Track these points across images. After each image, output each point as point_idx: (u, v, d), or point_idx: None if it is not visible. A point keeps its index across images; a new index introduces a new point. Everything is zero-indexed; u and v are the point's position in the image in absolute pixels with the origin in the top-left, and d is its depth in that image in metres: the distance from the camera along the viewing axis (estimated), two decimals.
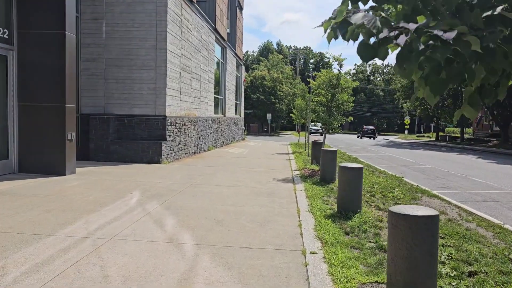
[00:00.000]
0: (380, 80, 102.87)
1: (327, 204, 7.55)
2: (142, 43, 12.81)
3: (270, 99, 51.39)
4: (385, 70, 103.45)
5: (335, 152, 10.18)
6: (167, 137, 13.07)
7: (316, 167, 11.94)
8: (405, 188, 9.84)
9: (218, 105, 22.90)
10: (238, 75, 30.61)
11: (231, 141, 25.97)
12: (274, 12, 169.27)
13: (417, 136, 60.99)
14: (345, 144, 33.19)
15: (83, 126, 12.71)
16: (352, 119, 11.77)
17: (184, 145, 15.08)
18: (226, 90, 24.08)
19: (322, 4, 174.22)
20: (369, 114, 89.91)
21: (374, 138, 51.66)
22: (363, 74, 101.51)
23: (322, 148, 10.31)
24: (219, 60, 22.92)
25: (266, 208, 7.07)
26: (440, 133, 51.50)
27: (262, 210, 6.90)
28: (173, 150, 13.61)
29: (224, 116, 23.82)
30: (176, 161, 13.76)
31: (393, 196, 8.69)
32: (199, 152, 17.42)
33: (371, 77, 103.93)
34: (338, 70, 10.79)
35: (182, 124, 14.76)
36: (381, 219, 6.54)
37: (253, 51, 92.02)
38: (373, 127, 54.96)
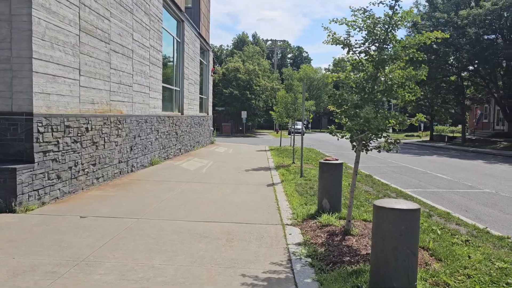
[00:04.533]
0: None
1: None
2: None
3: (245, 94, 45.09)
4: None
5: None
6: (38, 154, 6.70)
7: (336, 222, 5.85)
8: None
9: (172, 99, 16.52)
10: (204, 62, 24.27)
11: (193, 147, 19.63)
12: (250, 10, 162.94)
13: (406, 136, 55.72)
14: (335, 147, 27.31)
15: None
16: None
17: (93, 165, 8.72)
18: (184, 80, 17.72)
19: (298, 2, 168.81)
20: None
21: None
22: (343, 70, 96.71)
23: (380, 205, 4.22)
24: (174, 37, 16.54)
25: None
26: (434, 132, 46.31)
27: None
28: (56, 179, 7.24)
29: (182, 114, 17.46)
30: (61, 202, 7.37)
31: None
32: (131, 172, 11.05)
33: (351, 73, 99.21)
34: (391, 4, 4.64)
35: (87, 128, 8.39)
36: None
37: (227, 45, 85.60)
38: None
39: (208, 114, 24.84)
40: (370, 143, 5.11)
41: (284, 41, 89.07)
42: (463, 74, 36.58)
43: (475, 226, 6.65)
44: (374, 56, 4.76)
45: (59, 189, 7.35)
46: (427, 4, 36.40)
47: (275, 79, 55.15)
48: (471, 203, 9.51)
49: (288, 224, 6.04)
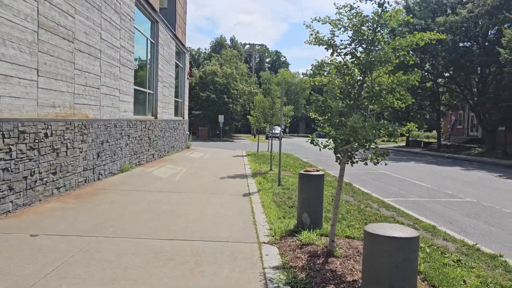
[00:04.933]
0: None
1: None
2: None
3: (223, 98, 44.41)
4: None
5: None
6: None
7: (317, 241, 5.33)
8: None
9: (145, 102, 15.79)
10: (180, 65, 23.58)
11: (168, 152, 18.90)
12: (228, 14, 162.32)
13: (382, 141, 56.04)
14: (312, 153, 26.96)
15: None
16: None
17: (53, 174, 7.97)
18: (158, 82, 17.01)
19: (276, 7, 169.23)
20: None
21: None
22: (320, 76, 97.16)
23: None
24: (147, 38, 15.84)
25: None
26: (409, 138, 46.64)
27: None
28: (8, 190, 6.49)
29: (155, 118, 16.74)
30: (12, 216, 6.64)
31: None
32: (98, 180, 10.31)
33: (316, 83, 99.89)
34: (380, 1, 4.13)
35: (46, 133, 7.66)
36: None
37: (205, 49, 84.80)
38: None
39: (183, 118, 24.11)
40: (356, 155, 4.62)
41: (262, 45, 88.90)
42: (438, 81, 36.92)
43: (463, 242, 6.26)
44: (362, 58, 4.28)
45: (11, 201, 6.60)
46: (404, 10, 36.60)
47: (253, 83, 54.66)
48: (454, 213, 9.18)
49: (264, 242, 5.49)
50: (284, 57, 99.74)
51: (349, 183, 12.44)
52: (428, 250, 5.47)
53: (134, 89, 13.66)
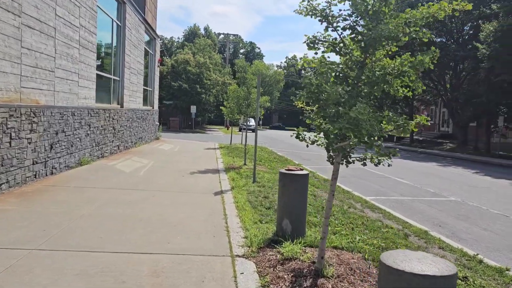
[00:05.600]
0: (311, 74, 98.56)
1: None
2: None
3: (195, 88, 43.04)
4: (299, 68, 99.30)
5: None
6: None
7: (302, 255, 4.49)
8: None
9: (110, 89, 14.56)
10: (150, 52, 22.29)
11: (135, 143, 17.71)
12: (202, 4, 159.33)
13: None
14: (287, 146, 26.24)
15: None
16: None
17: None
18: (125, 68, 15.78)
19: None
20: (301, 109, 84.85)
21: None
22: (294, 68, 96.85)
23: None
24: (113, 19, 14.57)
25: None
26: None
27: None
28: None
29: (121, 107, 15.53)
30: None
31: None
32: (51, 174, 9.16)
33: (302, 71, 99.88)
34: None
35: None
36: None
37: (178, 38, 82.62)
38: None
39: (153, 108, 22.87)
40: (352, 153, 3.78)
41: (237, 35, 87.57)
42: None
43: (462, 252, 5.55)
44: (364, 34, 3.41)
45: None
46: None
47: (227, 73, 53.38)
48: (442, 215, 8.55)
49: (239, 256, 4.60)
50: (259, 48, 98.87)
51: (328, 180, 11.71)
52: None
53: (97, 74, 12.44)
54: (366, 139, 3.24)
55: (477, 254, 5.37)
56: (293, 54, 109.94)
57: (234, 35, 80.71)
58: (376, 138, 3.30)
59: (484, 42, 22.97)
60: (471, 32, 28.68)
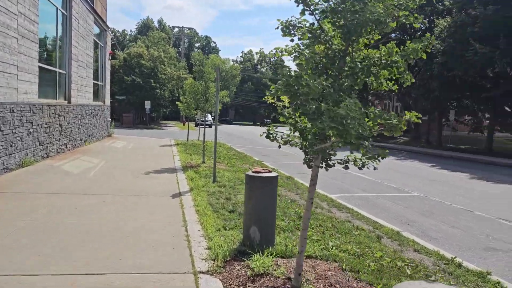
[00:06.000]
0: (267, 69, 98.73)
1: None
2: None
3: (150, 82, 41.61)
4: (272, 59, 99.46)
5: None
6: None
7: (275, 270, 4.00)
8: None
9: (55, 84, 13.43)
10: (101, 44, 21.03)
11: (85, 141, 16.59)
12: None
13: None
14: (245, 141, 25.81)
15: None
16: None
17: None
18: (72, 61, 14.65)
19: None
20: (257, 104, 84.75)
21: None
22: (251, 63, 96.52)
23: None
24: (58, 8, 13.42)
25: None
26: None
27: None
28: None
29: (69, 102, 14.42)
30: None
31: None
32: None
33: (258, 66, 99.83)
34: None
35: None
36: None
37: (130, 30, 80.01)
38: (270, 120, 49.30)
39: (104, 103, 21.65)
40: (334, 155, 3.33)
41: (192, 29, 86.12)
42: None
43: (439, 255, 5.29)
44: (349, 17, 2.94)
45: None
46: None
47: (182, 68, 52.10)
48: (407, 212, 8.37)
49: (203, 272, 4.04)
50: (214, 42, 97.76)
51: (290, 177, 11.36)
52: (409, 272, 4.38)
53: (40, 67, 11.37)
54: (353, 140, 2.78)
55: (455, 257, 5.11)
56: (249, 49, 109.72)
57: (189, 28, 79.06)
58: (363, 138, 2.84)
59: (438, 38, 23.48)
60: (423, 28, 29.31)
